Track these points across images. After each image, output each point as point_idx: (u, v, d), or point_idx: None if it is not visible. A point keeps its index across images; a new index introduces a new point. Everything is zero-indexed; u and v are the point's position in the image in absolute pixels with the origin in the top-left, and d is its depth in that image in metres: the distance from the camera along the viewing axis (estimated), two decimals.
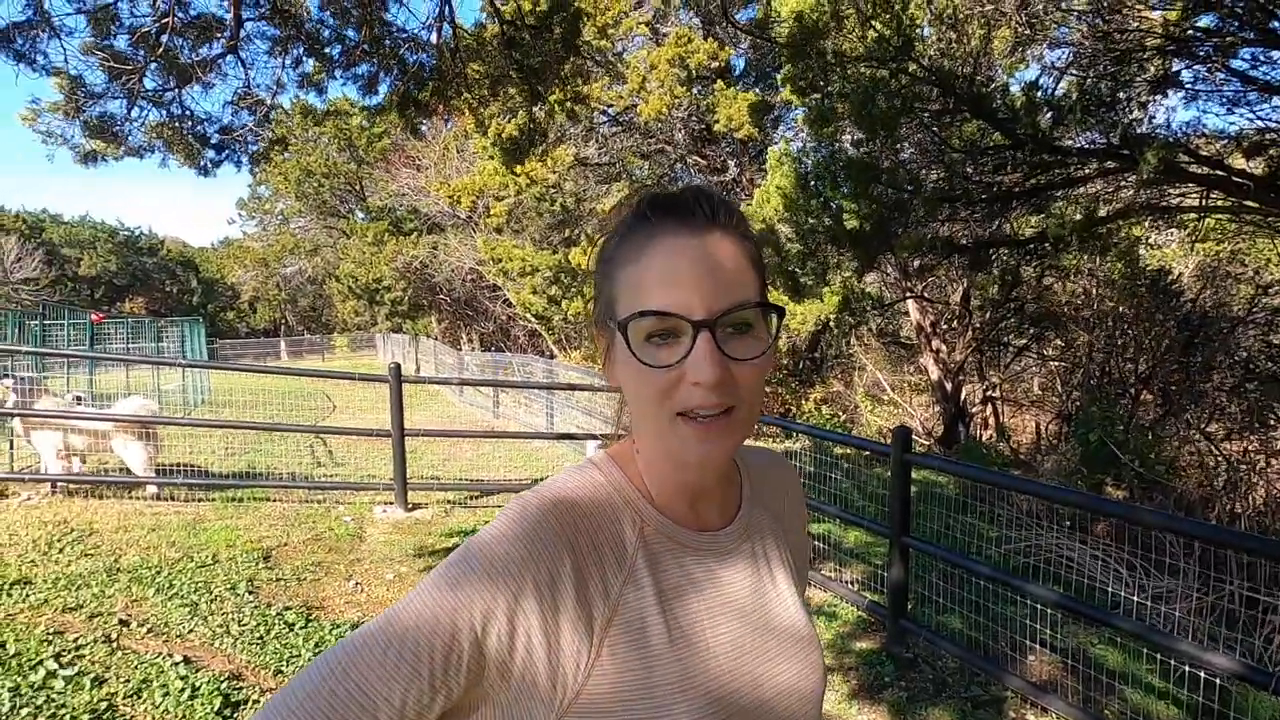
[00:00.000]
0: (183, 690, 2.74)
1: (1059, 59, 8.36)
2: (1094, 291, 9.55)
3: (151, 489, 5.45)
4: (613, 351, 0.63)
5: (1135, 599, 3.25)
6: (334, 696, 0.55)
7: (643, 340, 0.57)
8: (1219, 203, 6.78)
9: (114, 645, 3.08)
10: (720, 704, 0.60)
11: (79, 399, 6.14)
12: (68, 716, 2.52)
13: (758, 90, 14.65)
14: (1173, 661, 2.86)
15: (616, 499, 0.63)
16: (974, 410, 11.87)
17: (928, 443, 11.30)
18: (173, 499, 5.44)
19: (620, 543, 0.61)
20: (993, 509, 5.31)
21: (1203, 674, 2.58)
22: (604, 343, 0.65)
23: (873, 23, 6.12)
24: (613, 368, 0.64)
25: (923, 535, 4.36)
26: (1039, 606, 3.33)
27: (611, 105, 15.38)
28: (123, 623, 3.31)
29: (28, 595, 3.50)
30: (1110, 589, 3.69)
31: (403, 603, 0.58)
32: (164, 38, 4.01)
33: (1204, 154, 6.57)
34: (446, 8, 4.77)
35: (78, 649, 3.02)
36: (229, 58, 4.37)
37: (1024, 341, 11.97)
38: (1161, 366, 8.20)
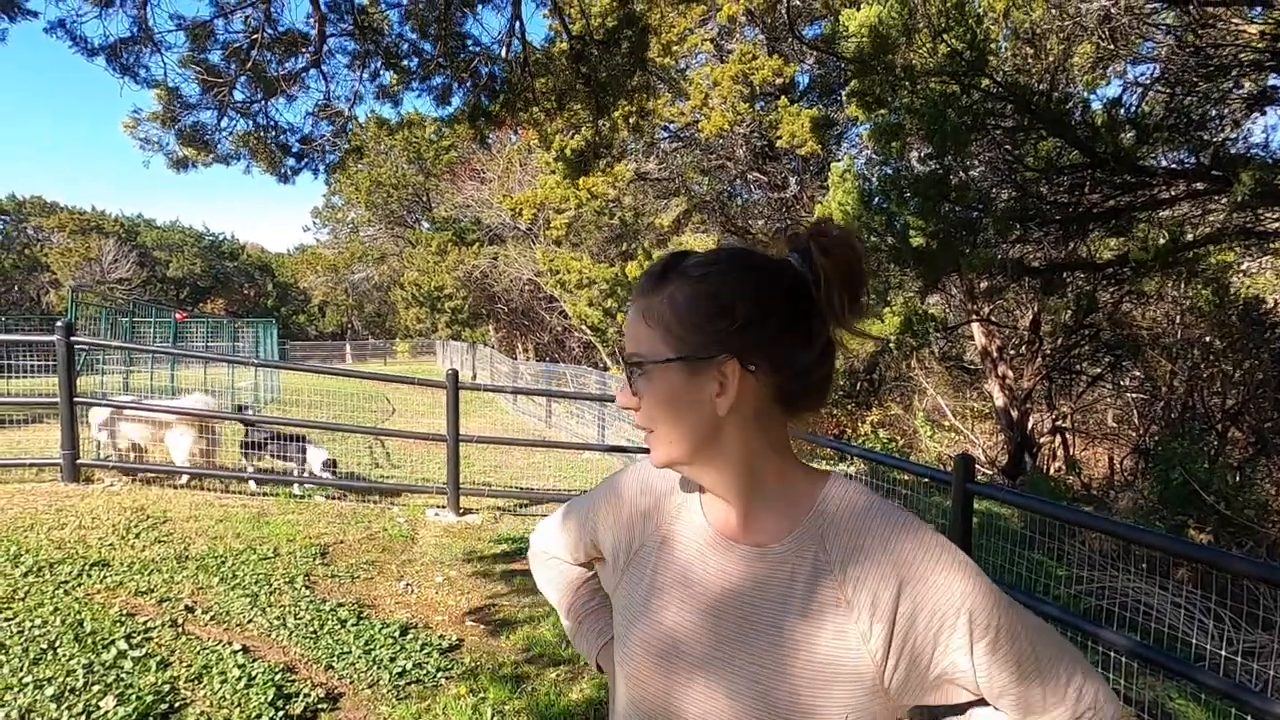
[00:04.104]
0: (239, 679, 2.83)
1: (1143, 75, 7.98)
2: (1178, 319, 9.01)
3: (252, 484, 5.81)
4: None
5: (1223, 653, 3.01)
6: (561, 530, 1.06)
7: None
8: None
9: (179, 630, 3.21)
10: (649, 649, 0.80)
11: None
12: (134, 696, 2.63)
13: (821, 107, 14.49)
14: None
15: (680, 489, 0.88)
16: (1041, 440, 11.32)
17: (990, 472, 10.83)
18: (242, 492, 5.69)
19: (659, 516, 0.88)
20: (1061, 546, 5.02)
21: None
22: None
23: (945, 37, 5.98)
24: None
25: (984, 569, 4.16)
26: (1111, 653, 3.12)
27: (673, 121, 15.46)
28: (188, 609, 3.45)
29: (105, 577, 3.69)
30: (1194, 640, 3.43)
31: (577, 499, 1.04)
32: (254, 52, 4.25)
33: None
34: (517, 23, 4.91)
35: (146, 631, 3.16)
36: (312, 71, 4.60)
37: (1098, 370, 11.37)
38: (1254, 402, 7.65)
